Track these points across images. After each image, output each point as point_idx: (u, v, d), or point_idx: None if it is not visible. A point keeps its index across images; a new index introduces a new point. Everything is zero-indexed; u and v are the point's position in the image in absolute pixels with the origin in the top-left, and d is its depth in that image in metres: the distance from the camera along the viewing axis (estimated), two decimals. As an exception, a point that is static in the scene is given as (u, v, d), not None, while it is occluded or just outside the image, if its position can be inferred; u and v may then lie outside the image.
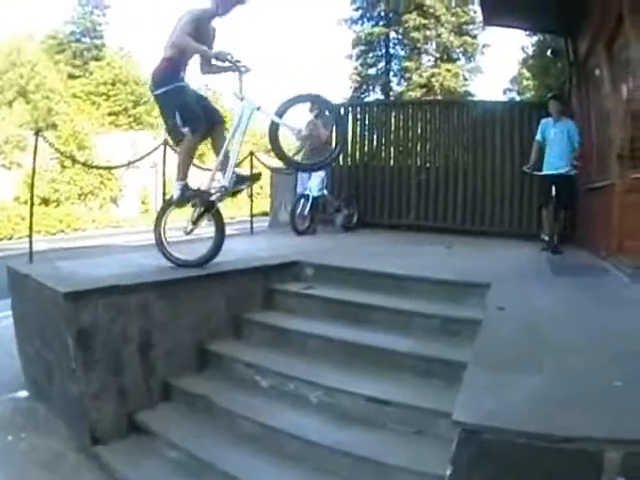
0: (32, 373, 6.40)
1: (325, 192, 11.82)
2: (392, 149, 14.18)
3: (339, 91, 44.35)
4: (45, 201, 31.02)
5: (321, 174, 11.52)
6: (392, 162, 14.07)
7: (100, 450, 4.97)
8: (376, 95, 46.88)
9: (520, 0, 10.52)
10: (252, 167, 11.85)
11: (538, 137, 10.01)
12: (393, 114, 14.37)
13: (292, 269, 7.15)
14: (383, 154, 14.16)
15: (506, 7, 11.32)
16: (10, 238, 24.82)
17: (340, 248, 9.15)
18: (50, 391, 5.84)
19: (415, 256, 8.23)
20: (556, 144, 9.70)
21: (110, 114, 46.26)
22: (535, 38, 25.95)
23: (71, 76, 49.14)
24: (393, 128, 14.03)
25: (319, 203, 11.70)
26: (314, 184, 11.46)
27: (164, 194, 10.15)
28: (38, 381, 6.20)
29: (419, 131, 13.95)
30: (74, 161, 28.71)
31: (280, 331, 6.04)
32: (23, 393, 6.49)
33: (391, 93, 46.57)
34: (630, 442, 2.49)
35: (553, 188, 9.46)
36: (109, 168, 25.86)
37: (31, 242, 7.62)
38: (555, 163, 9.64)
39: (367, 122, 14.23)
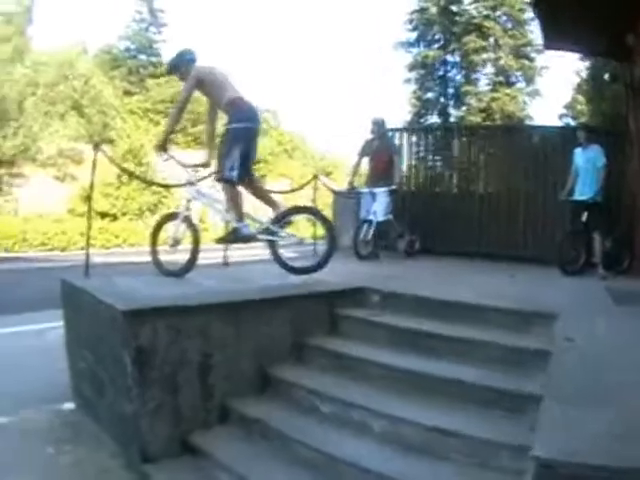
0: (81, 386, 6.38)
1: (390, 217, 11.53)
2: (453, 175, 14.02)
3: (399, 115, 44.60)
4: (102, 215, 31.26)
5: (387, 198, 11.33)
6: (454, 188, 14.14)
7: (149, 469, 4.90)
8: (434, 119, 46.72)
9: (580, 24, 10.60)
10: (316, 189, 11.75)
11: (573, 166, 10.46)
12: (455, 139, 14.26)
13: (357, 295, 6.99)
14: (445, 180, 14.05)
15: (566, 31, 11.47)
16: (63, 250, 25.10)
17: (404, 275, 9.01)
18: (99, 405, 5.82)
19: (479, 284, 8.13)
20: (583, 171, 10.22)
21: (168, 132, 46.40)
22: (588, 62, 25.75)
23: (127, 92, 49.70)
24: (456, 154, 13.94)
25: (383, 228, 11.43)
26: (380, 208, 11.23)
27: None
28: (87, 395, 6.18)
29: (481, 157, 13.77)
30: (137, 178, 28.94)
31: (343, 357, 5.92)
32: (69, 405, 6.50)
33: (452, 118, 46.35)
34: None
35: (584, 214, 9.97)
36: (169, 186, 25.95)
37: (88, 257, 7.57)
38: (581, 190, 10.14)
39: (427, 147, 14.15)
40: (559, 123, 34.46)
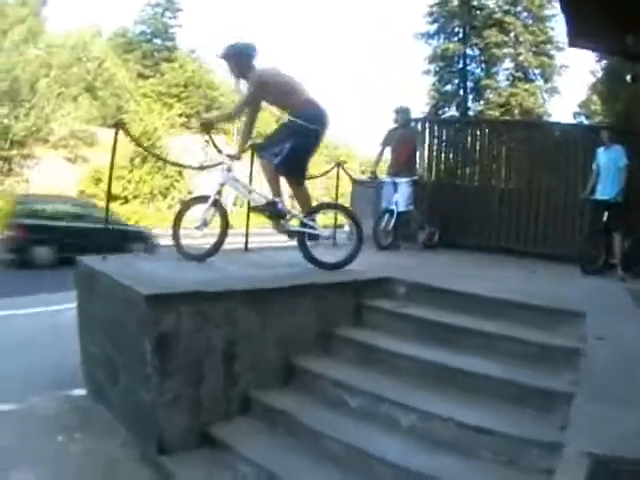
0: (93, 372, 6.30)
1: (411, 208, 11.35)
2: (475, 169, 13.86)
3: (416, 106, 44.57)
4: (114, 198, 31.32)
5: (409, 189, 11.19)
6: (475, 182, 13.91)
7: (165, 460, 4.78)
8: (452, 112, 46.86)
9: (600, 23, 10.56)
10: (338, 177, 11.58)
11: (594, 165, 10.48)
12: (477, 133, 14.03)
13: (383, 286, 6.88)
14: (465, 173, 13.91)
15: (590, 30, 11.40)
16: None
17: (426, 267, 8.94)
18: (113, 393, 5.72)
19: (502, 279, 8.09)
20: (604, 171, 10.20)
21: (181, 115, 46.66)
22: (604, 63, 25.87)
23: (141, 75, 50.01)
24: (478, 147, 13.78)
25: (404, 219, 11.28)
26: (402, 199, 11.08)
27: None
28: (99, 381, 6.08)
29: (503, 152, 13.63)
30: (156, 157, 28.97)
31: (371, 349, 5.81)
32: (80, 391, 6.41)
33: (469, 112, 46.43)
34: None
35: (605, 214, 9.99)
36: (184, 167, 25.96)
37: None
38: (602, 190, 10.15)
39: (447, 139, 13.96)
40: (573, 121, 34.74)
